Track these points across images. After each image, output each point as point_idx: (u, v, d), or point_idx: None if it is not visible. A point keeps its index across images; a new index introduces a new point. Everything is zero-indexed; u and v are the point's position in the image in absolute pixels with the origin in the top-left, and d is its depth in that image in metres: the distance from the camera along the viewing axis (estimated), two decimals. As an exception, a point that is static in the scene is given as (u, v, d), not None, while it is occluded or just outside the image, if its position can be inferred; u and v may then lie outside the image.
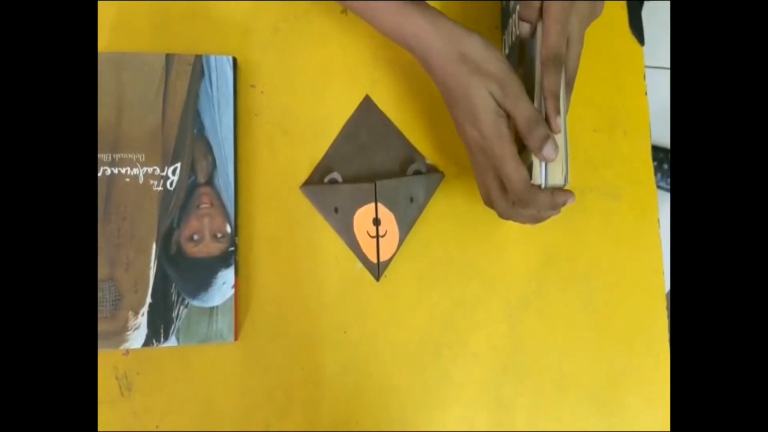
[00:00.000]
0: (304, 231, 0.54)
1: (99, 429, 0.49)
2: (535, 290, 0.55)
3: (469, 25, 0.44)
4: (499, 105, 0.42)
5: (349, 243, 0.54)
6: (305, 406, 0.52)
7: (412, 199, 0.54)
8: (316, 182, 0.55)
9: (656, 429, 0.54)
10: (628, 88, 0.59)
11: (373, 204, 0.54)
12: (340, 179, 0.54)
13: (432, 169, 0.56)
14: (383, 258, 0.54)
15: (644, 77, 0.60)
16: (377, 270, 0.54)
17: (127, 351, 0.51)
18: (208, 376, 0.52)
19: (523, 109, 0.42)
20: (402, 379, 0.53)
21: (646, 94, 0.59)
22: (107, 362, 0.51)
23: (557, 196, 0.43)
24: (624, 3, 0.60)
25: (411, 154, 0.56)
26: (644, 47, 0.60)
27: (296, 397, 0.52)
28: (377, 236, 0.54)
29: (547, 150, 0.41)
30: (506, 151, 0.42)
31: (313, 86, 0.56)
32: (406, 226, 0.54)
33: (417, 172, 0.55)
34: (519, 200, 0.43)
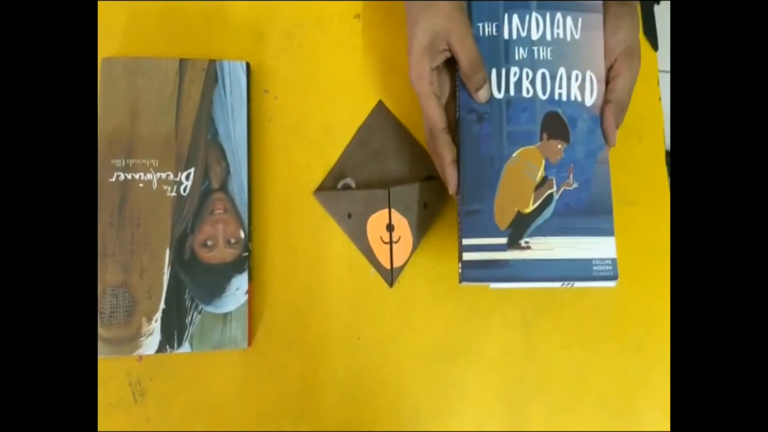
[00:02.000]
0: (318, 237, 0.54)
1: (112, 435, 0.49)
2: (550, 297, 0.55)
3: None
4: (446, 43, 0.46)
5: (362, 249, 0.54)
6: (318, 413, 0.52)
7: (425, 205, 0.54)
8: (330, 188, 0.54)
9: (670, 436, 0.54)
10: (642, 94, 0.58)
11: (386, 210, 0.53)
12: (353, 185, 0.54)
13: (445, 175, 0.56)
14: (397, 264, 0.53)
15: (658, 83, 0.59)
16: (391, 276, 0.53)
17: (141, 357, 0.51)
18: (221, 383, 0.51)
19: (468, 50, 0.46)
20: (416, 385, 0.53)
21: (660, 99, 0.59)
22: (121, 368, 0.50)
23: (448, 168, 0.47)
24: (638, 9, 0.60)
25: (424, 160, 0.56)
26: (657, 52, 0.60)
27: (309, 403, 0.52)
28: (390, 242, 0.53)
29: (482, 93, 0.47)
30: (423, 89, 0.47)
31: (327, 92, 0.56)
32: (419, 232, 0.54)
33: (430, 178, 0.55)
34: (429, 138, 0.48)
